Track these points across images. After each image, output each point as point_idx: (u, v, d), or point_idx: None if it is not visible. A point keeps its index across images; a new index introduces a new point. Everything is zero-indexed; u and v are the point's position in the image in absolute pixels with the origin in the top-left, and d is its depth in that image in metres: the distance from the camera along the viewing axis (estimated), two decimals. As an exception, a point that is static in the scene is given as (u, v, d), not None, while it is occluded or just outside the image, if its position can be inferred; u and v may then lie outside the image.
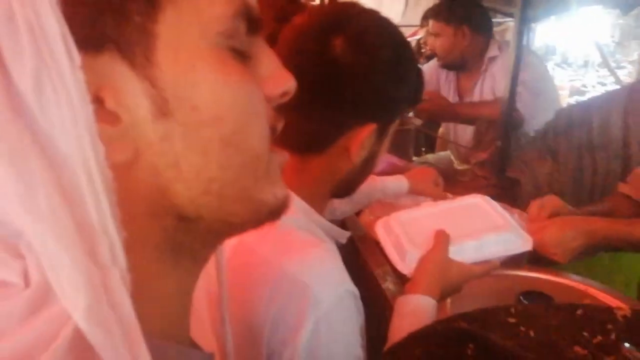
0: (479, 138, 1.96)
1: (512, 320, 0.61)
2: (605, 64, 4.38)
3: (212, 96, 0.28)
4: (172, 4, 0.27)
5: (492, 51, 1.87)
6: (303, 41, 0.66)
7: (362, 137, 0.67)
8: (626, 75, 5.35)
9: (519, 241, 0.79)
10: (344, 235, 0.80)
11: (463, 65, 1.93)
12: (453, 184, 1.67)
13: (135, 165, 0.27)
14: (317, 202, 0.72)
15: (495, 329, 0.60)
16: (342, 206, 1.09)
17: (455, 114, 1.95)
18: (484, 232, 0.79)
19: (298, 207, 0.68)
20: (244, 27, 0.30)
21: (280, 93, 0.33)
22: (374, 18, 0.69)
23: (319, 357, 0.58)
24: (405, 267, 0.78)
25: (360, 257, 1.13)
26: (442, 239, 0.77)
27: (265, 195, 0.31)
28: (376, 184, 1.15)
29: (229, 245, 0.60)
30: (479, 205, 0.86)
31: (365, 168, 0.73)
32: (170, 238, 0.29)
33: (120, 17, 0.25)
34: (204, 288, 0.37)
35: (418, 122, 2.32)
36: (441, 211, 0.87)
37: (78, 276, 0.22)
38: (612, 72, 2.94)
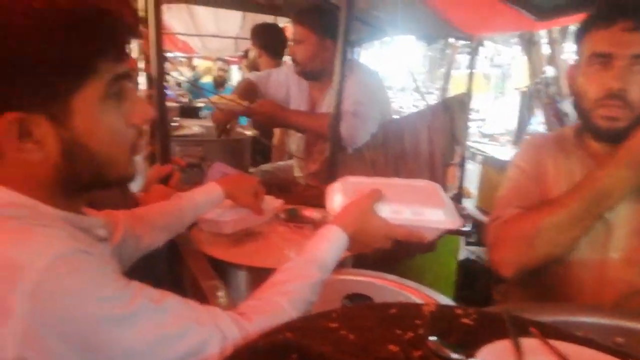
0: (309, 150, 2.04)
1: (333, 325, 0.62)
2: (417, 89, 5.02)
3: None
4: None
5: (346, 67, 1.89)
6: None
7: (3, 133, 0.55)
8: (433, 99, 6.22)
9: (444, 219, 0.86)
10: (94, 224, 0.69)
11: (319, 76, 1.92)
12: (288, 193, 1.70)
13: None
14: (58, 199, 0.63)
15: (317, 335, 0.60)
16: (149, 236, 0.98)
17: (286, 121, 1.96)
18: (418, 204, 0.87)
19: (17, 201, 0.59)
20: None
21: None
22: None
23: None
24: (332, 209, 0.89)
25: (190, 272, 1.06)
26: (373, 193, 0.86)
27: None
28: (183, 204, 1.05)
29: None
30: (427, 188, 0.97)
31: (78, 157, 0.60)
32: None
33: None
34: None
35: (252, 132, 2.33)
36: (392, 183, 0.97)
37: None
38: (423, 97, 3.39)
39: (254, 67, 3.19)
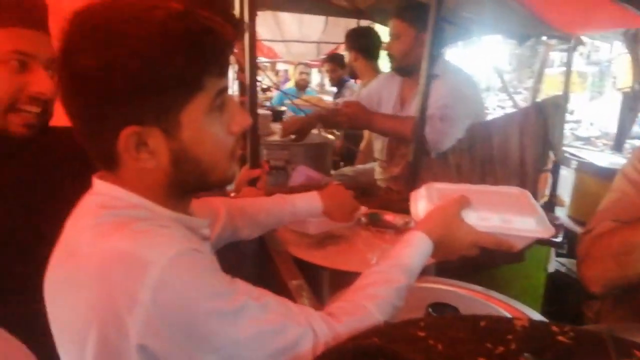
0: (392, 153, 2.03)
1: (421, 333, 0.62)
2: (504, 89, 4.80)
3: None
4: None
5: (437, 69, 1.77)
6: None
7: (124, 144, 0.61)
8: (522, 100, 5.88)
9: (535, 227, 0.82)
10: (201, 224, 0.75)
11: (413, 71, 1.88)
12: (370, 197, 1.71)
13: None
14: (169, 201, 0.69)
15: (405, 343, 0.61)
16: (248, 229, 1.06)
17: (370, 124, 1.96)
18: (507, 211, 0.85)
19: (139, 203, 0.66)
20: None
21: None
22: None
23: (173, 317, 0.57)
24: (417, 216, 0.90)
25: (277, 271, 1.11)
26: (460, 198, 0.85)
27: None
28: (284, 207, 1.11)
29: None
30: (517, 195, 0.94)
31: (186, 164, 0.66)
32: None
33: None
34: None
35: (337, 135, 2.36)
36: (479, 190, 0.95)
37: None
38: (511, 97, 3.23)
39: (350, 71, 3.22)
